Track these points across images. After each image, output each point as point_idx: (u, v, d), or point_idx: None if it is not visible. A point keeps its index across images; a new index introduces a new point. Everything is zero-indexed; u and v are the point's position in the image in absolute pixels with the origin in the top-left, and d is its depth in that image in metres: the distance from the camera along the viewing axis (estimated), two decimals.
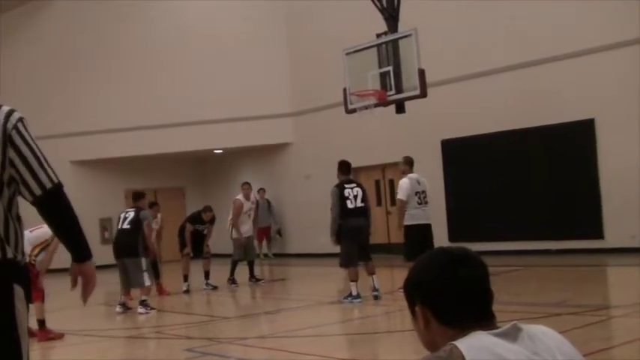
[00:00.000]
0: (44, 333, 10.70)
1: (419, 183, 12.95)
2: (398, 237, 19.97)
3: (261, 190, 23.63)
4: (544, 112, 17.18)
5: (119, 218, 13.78)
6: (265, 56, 23.75)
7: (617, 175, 16.17)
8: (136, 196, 14.11)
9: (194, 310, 14.12)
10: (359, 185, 12.83)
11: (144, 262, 13.29)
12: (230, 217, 16.53)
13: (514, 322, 2.03)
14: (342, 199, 12.44)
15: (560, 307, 10.12)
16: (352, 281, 12.48)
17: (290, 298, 14.85)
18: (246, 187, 16.75)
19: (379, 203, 21.41)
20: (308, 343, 9.30)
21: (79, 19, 24.36)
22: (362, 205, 12.50)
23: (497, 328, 2.02)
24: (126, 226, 13.42)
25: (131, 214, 13.52)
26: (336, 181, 12.82)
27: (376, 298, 12.44)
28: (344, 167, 12.87)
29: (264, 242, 24.18)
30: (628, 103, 15.93)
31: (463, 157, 18.91)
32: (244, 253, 16.44)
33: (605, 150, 16.46)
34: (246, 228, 16.41)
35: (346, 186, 12.56)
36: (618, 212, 16.12)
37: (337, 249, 12.85)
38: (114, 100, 24.04)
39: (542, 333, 2.06)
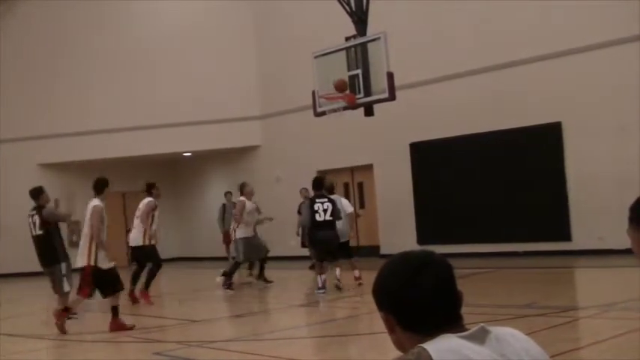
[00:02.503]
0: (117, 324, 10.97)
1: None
2: (367, 239, 20.07)
3: (229, 194, 23.51)
4: (512, 115, 17.29)
5: (29, 223, 12.29)
6: (234, 59, 23.69)
7: (584, 177, 16.31)
8: (35, 194, 12.31)
9: (164, 314, 14.02)
10: (330, 200, 13.89)
11: (64, 266, 12.17)
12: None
13: (481, 324, 2.03)
14: (312, 211, 13.74)
15: (528, 308, 10.19)
16: (319, 274, 13.68)
17: (259, 301, 14.80)
18: (249, 188, 16.13)
19: None
20: (276, 346, 9.30)
21: (39, 22, 24.12)
22: (330, 218, 13.71)
23: (465, 330, 2.02)
24: (38, 231, 12.14)
25: (37, 218, 12.12)
26: (304, 183, 13.52)
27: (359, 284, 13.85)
28: (316, 184, 14.19)
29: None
30: (594, 106, 16.09)
31: (432, 159, 18.97)
32: (254, 251, 15.81)
33: (572, 152, 16.60)
34: (249, 228, 15.80)
35: (317, 200, 13.86)
36: (585, 214, 16.26)
37: (306, 252, 13.41)
38: (81, 102, 23.81)
39: (509, 335, 2.06)
